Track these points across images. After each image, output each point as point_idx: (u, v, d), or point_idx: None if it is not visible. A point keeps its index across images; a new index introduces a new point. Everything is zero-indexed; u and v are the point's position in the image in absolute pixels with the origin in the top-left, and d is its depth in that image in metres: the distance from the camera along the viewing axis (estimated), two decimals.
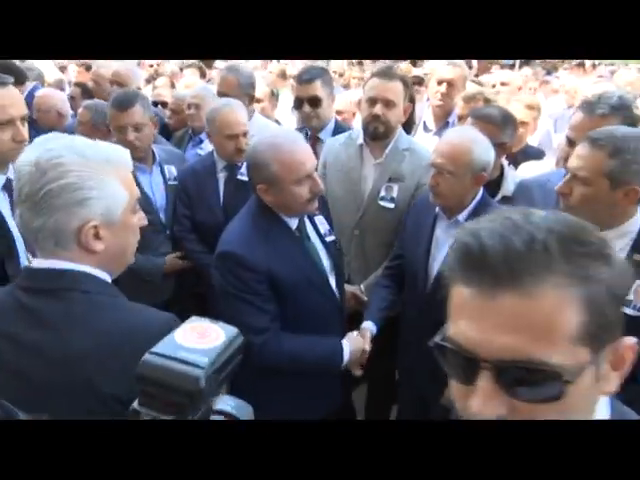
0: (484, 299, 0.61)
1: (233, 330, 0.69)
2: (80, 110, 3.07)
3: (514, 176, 2.28)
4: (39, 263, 1.04)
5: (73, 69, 6.19)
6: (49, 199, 0.98)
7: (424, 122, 3.39)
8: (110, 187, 1.02)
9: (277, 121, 3.59)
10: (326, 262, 1.89)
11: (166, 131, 3.47)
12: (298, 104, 2.79)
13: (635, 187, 1.54)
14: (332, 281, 1.90)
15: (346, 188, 2.39)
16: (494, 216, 0.66)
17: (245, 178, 2.09)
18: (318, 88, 2.72)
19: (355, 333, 1.92)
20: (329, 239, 1.93)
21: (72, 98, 3.99)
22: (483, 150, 1.87)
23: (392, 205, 2.29)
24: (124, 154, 1.08)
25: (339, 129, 2.77)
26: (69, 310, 1.00)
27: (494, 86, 3.89)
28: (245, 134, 2.47)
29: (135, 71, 3.70)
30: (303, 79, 2.76)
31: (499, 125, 2.20)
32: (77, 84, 4.31)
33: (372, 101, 2.27)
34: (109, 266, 1.08)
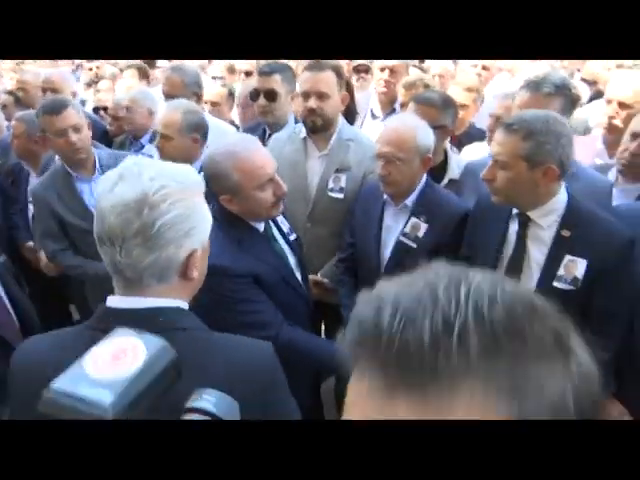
0: (382, 398, 0.44)
1: (157, 345, 0.62)
2: (13, 123, 2.94)
3: (458, 159, 2.32)
4: (128, 302, 0.97)
5: (10, 76, 5.89)
6: (163, 233, 0.94)
7: (371, 110, 3.42)
8: (202, 211, 1.02)
9: (232, 122, 3.52)
10: (291, 259, 1.90)
11: (107, 138, 3.36)
12: (254, 95, 2.76)
13: (551, 166, 1.61)
14: (298, 276, 1.92)
15: (293, 182, 2.36)
16: (418, 276, 0.48)
17: None
18: (277, 82, 2.69)
19: None
20: (292, 237, 1.95)
21: (4, 107, 3.80)
22: (425, 133, 1.92)
23: (341, 195, 2.29)
24: (197, 174, 1.06)
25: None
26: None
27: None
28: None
29: (68, 76, 3.56)
30: (263, 71, 2.75)
31: (439, 108, 2.23)
32: (10, 92, 4.11)
33: (306, 95, 2.25)
34: (193, 294, 1.06)
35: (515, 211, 1.76)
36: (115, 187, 0.95)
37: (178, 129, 2.35)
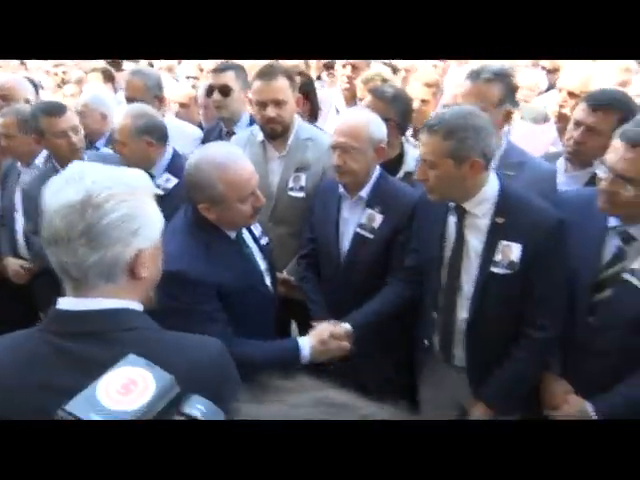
0: None
1: (166, 380, 0.66)
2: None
3: (414, 153, 2.36)
4: (76, 304, 0.99)
5: None
6: (107, 232, 0.96)
7: (336, 106, 3.46)
8: (150, 212, 1.03)
9: (200, 124, 3.52)
10: (262, 264, 1.92)
11: None
12: (209, 92, 2.83)
13: (475, 159, 1.67)
14: (267, 281, 1.93)
15: None
16: None
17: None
18: (230, 79, 2.75)
19: (321, 326, 1.90)
20: (263, 242, 1.96)
21: None
22: (377, 124, 2.00)
23: (302, 194, 2.33)
24: (148, 178, 1.08)
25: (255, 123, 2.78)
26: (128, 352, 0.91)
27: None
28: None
29: (22, 82, 3.51)
30: (216, 68, 2.82)
31: (388, 101, 2.29)
32: None
33: (262, 104, 2.29)
34: (145, 294, 1.07)
35: (452, 204, 1.83)
36: (60, 191, 0.97)
37: (129, 134, 2.36)
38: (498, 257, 1.73)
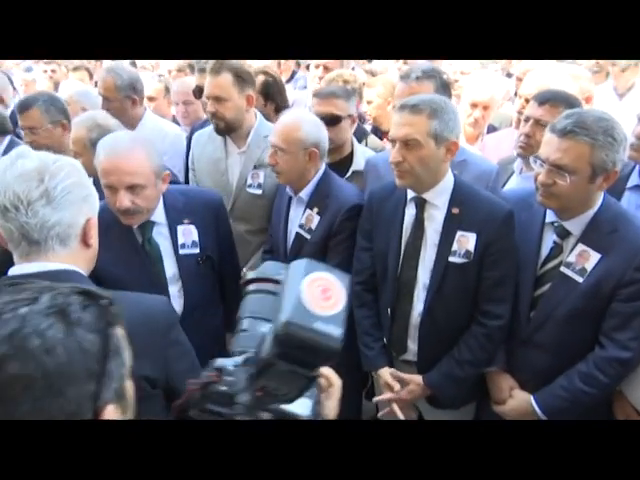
0: None
1: (346, 278, 0.71)
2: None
3: (364, 151, 2.41)
4: (28, 268, 1.06)
5: None
6: (65, 194, 1.07)
7: (309, 106, 3.52)
8: (90, 184, 1.16)
9: (174, 117, 3.55)
10: (170, 270, 1.85)
11: None
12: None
13: (454, 140, 1.73)
14: (173, 289, 1.86)
15: (214, 179, 2.45)
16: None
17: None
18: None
19: None
20: (186, 252, 1.87)
21: None
22: (312, 127, 2.01)
23: (260, 191, 2.37)
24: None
25: None
26: None
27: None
28: None
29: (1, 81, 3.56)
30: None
31: (344, 98, 2.33)
32: None
33: (207, 98, 2.35)
34: (90, 265, 1.17)
35: (410, 196, 1.86)
36: (15, 162, 1.08)
37: (84, 145, 2.22)
38: (454, 247, 1.78)
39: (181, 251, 1.87)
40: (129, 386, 0.71)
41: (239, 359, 0.77)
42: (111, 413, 0.65)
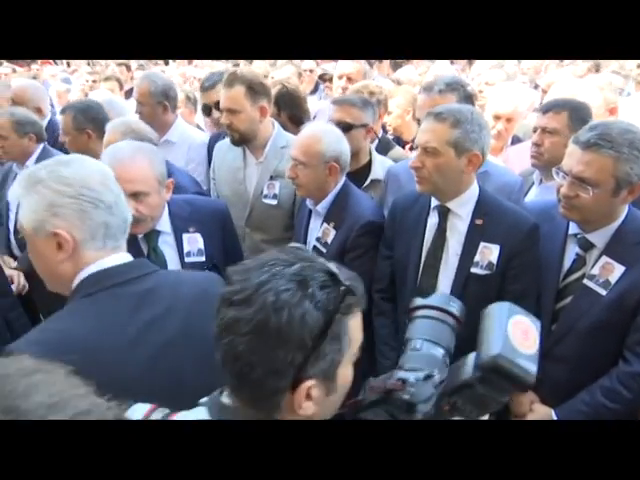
0: None
1: (537, 323, 0.84)
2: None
3: (383, 160, 2.39)
4: (120, 258, 1.14)
5: None
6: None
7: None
8: None
9: (198, 126, 3.62)
10: None
11: None
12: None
13: (476, 152, 1.72)
14: None
15: (232, 188, 2.48)
16: None
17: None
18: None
19: None
20: (192, 259, 1.85)
21: None
22: (332, 140, 1.99)
23: (275, 202, 2.37)
24: None
25: None
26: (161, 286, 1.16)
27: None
28: None
29: (39, 91, 3.70)
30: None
31: (359, 107, 2.31)
32: None
33: (222, 111, 2.38)
34: None
35: (434, 204, 1.84)
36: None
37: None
38: (477, 258, 1.76)
39: (187, 259, 1.84)
40: (344, 374, 0.78)
41: (420, 375, 0.87)
42: (312, 388, 0.72)
